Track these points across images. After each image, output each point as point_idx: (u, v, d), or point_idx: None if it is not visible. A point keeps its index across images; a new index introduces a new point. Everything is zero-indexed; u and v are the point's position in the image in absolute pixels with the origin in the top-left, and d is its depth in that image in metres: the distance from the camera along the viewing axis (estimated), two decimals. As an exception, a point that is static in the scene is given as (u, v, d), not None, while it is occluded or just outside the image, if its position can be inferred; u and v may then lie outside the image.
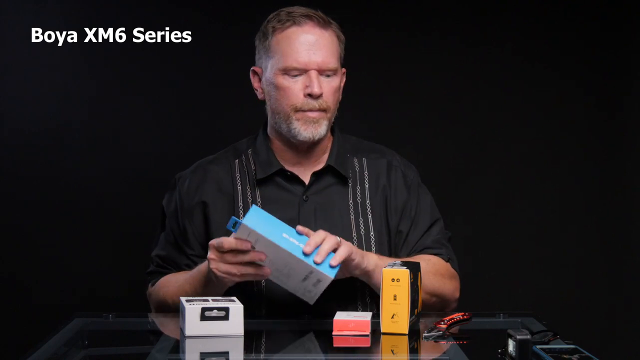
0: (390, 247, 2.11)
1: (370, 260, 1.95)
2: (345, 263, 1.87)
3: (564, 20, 3.02)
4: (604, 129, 3.05)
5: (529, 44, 3.02)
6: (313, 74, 2.02)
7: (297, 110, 2.03)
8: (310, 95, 2.02)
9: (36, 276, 2.92)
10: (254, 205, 1.83)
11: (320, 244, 1.82)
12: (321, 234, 1.84)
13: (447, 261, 2.12)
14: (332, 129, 2.17)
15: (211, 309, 1.75)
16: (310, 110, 2.03)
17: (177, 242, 2.12)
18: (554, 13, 3.02)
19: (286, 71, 2.03)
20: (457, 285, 2.13)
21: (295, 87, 2.03)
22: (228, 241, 1.82)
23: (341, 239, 1.88)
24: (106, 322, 1.96)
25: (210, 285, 1.94)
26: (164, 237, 2.15)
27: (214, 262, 1.85)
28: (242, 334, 1.76)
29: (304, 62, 2.02)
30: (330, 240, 1.83)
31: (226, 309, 1.75)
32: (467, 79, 3.02)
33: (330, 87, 2.05)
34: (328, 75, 2.04)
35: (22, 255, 2.92)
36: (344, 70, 2.14)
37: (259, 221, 1.79)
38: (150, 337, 1.90)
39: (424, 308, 1.94)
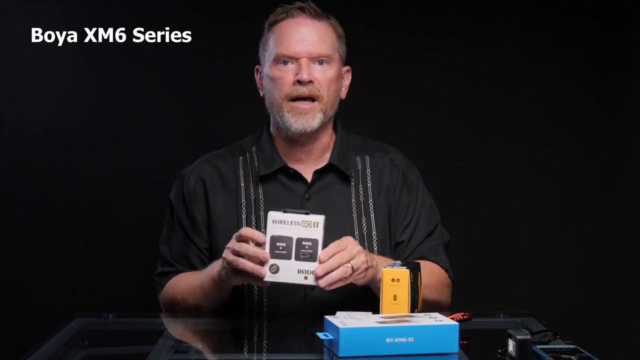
0: (391, 246, 2.12)
1: (378, 274, 1.92)
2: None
3: (564, 20, 3.02)
4: (604, 129, 3.04)
5: (529, 44, 3.02)
6: (303, 61, 2.05)
7: (288, 98, 2.05)
8: (299, 82, 2.04)
9: (36, 276, 2.92)
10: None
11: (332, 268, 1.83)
12: (336, 260, 1.83)
13: (446, 270, 2.14)
14: (335, 127, 2.18)
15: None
16: (300, 97, 2.05)
17: (187, 234, 2.12)
18: (554, 13, 3.02)
19: (278, 60, 2.07)
20: (451, 293, 2.16)
21: (287, 76, 2.06)
22: (245, 229, 1.85)
23: (357, 257, 1.86)
24: (106, 322, 1.96)
25: (219, 284, 1.95)
26: (173, 231, 2.15)
27: (227, 250, 1.86)
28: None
29: (294, 50, 2.06)
30: (340, 271, 1.82)
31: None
32: (467, 79, 3.02)
33: (324, 76, 2.07)
34: (321, 62, 2.07)
35: (22, 255, 2.92)
36: (347, 68, 2.17)
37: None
38: (150, 337, 1.90)
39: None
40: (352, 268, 1.84)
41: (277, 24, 2.10)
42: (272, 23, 2.11)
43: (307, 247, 1.82)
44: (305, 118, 2.06)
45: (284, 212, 1.83)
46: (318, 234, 1.82)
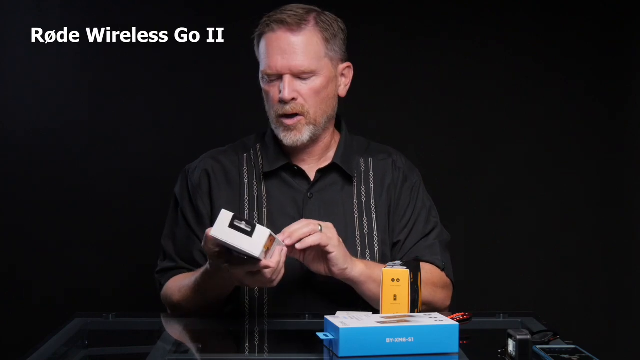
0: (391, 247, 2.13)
1: (356, 267, 1.95)
2: (325, 257, 1.90)
3: (565, 20, 3.02)
4: (604, 129, 3.04)
5: (529, 44, 3.02)
6: (285, 78, 2.04)
7: (276, 115, 2.07)
8: (282, 101, 2.04)
9: (36, 275, 2.92)
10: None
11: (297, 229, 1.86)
12: (302, 221, 1.88)
13: (442, 269, 2.13)
14: (339, 127, 2.18)
15: (241, 220, 1.75)
16: (284, 115, 2.05)
17: (191, 228, 2.12)
18: (555, 13, 3.02)
19: (264, 77, 2.07)
20: (449, 294, 2.14)
21: (274, 92, 2.06)
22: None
23: (326, 228, 1.89)
24: (106, 322, 1.96)
25: (216, 280, 1.94)
26: (177, 226, 2.15)
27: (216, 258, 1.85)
28: (259, 255, 1.74)
29: (275, 68, 2.04)
30: (307, 227, 1.86)
31: (253, 226, 1.74)
32: (467, 79, 3.02)
33: (308, 89, 2.05)
34: (305, 78, 2.05)
35: (23, 255, 2.92)
36: (348, 64, 2.14)
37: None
38: (150, 337, 1.90)
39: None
40: (321, 228, 1.88)
41: (262, 38, 2.08)
42: (259, 34, 2.09)
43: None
44: (294, 133, 2.06)
45: (233, 217, 1.75)
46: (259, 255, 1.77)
